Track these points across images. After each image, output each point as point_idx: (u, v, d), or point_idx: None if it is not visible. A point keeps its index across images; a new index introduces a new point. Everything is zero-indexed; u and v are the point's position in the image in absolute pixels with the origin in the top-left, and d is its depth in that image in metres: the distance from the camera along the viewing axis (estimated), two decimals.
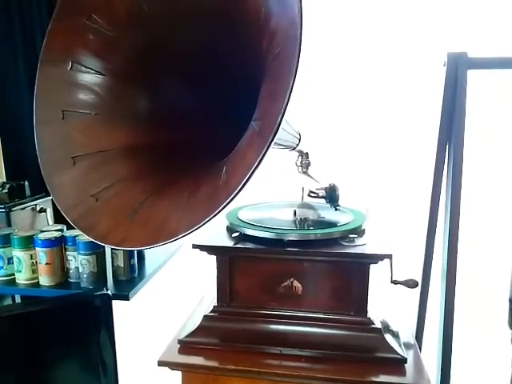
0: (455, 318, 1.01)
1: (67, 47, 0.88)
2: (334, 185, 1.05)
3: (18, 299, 1.47)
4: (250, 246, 0.92)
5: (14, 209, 1.39)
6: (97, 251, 1.16)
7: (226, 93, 0.96)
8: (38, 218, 1.51)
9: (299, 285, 0.92)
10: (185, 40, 0.89)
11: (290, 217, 1.03)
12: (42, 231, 1.23)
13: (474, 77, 0.93)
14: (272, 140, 0.60)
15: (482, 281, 1.35)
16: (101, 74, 0.90)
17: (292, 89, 0.58)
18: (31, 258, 1.20)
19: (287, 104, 0.59)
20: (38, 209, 1.49)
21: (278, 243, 0.91)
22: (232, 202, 0.64)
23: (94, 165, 0.88)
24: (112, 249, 1.21)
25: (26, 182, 1.50)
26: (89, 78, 0.90)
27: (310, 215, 1.04)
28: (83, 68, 0.89)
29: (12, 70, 1.64)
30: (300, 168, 1.09)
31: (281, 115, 0.59)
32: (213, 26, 0.85)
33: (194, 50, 0.90)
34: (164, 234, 0.69)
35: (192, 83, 0.97)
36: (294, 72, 0.59)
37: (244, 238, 0.95)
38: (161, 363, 0.90)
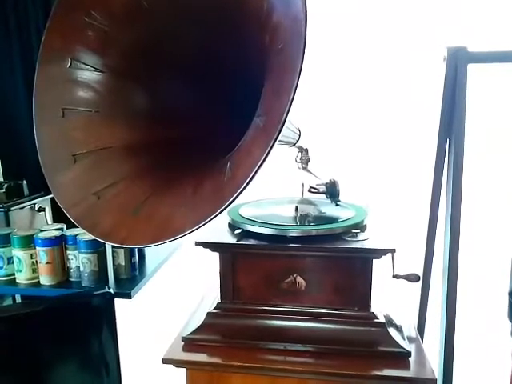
0: (456, 312, 1.01)
1: (66, 44, 0.87)
2: (334, 180, 1.05)
3: (18, 299, 1.46)
4: (252, 242, 0.92)
5: (12, 208, 1.38)
6: (98, 250, 1.16)
7: (226, 88, 0.95)
8: (36, 218, 1.50)
9: (302, 280, 0.92)
10: (185, 35, 0.88)
11: (292, 213, 1.03)
12: (41, 230, 1.23)
13: (474, 71, 0.93)
14: (277, 136, 0.60)
15: (482, 274, 1.36)
16: (100, 71, 0.89)
17: (297, 85, 0.58)
18: (31, 258, 1.19)
19: (292, 100, 0.59)
20: (36, 208, 1.48)
21: (280, 239, 0.91)
22: None
23: (95, 163, 0.88)
24: (113, 247, 1.21)
25: (24, 181, 1.48)
26: (88, 75, 0.89)
27: (312, 211, 1.05)
28: (82, 65, 0.88)
29: (8, 67, 1.62)
30: (300, 164, 1.08)
31: (286, 111, 0.59)
32: (213, 21, 0.84)
33: (195, 45, 0.89)
34: (169, 230, 0.69)
35: (192, 78, 0.96)
36: (298, 68, 0.59)
37: (246, 234, 0.95)
38: (165, 361, 0.90)
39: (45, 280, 1.19)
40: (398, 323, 0.96)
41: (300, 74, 0.59)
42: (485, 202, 1.34)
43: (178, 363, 0.91)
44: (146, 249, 1.37)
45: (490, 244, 1.35)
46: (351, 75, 1.40)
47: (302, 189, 1.10)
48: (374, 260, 0.89)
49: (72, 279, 1.21)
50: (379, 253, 0.87)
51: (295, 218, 1.01)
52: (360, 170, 1.42)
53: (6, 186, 1.43)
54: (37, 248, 1.18)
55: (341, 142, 1.44)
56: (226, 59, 0.91)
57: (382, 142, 1.42)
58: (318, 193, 1.05)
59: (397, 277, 0.93)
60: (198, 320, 0.96)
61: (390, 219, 1.07)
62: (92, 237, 0.81)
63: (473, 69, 0.93)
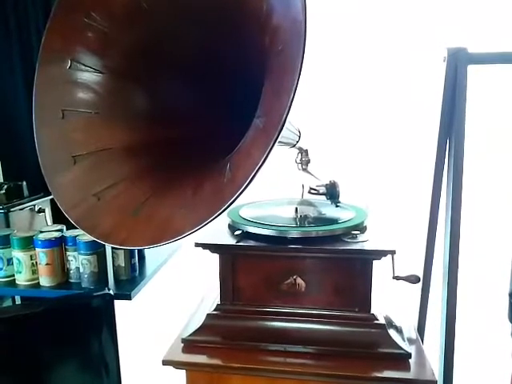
0: (456, 312, 1.01)
1: (66, 46, 0.87)
2: (334, 181, 1.05)
3: (18, 300, 1.46)
4: (252, 243, 0.92)
5: (12, 209, 1.38)
6: (97, 251, 1.16)
7: (226, 88, 0.95)
8: (36, 219, 1.50)
9: (302, 282, 0.92)
10: (185, 36, 0.88)
11: (292, 214, 1.03)
12: (41, 232, 1.22)
13: (474, 72, 0.93)
14: (277, 137, 0.60)
15: (482, 275, 1.36)
16: (100, 72, 0.89)
17: (297, 85, 0.58)
18: (31, 259, 1.19)
19: (292, 101, 0.59)
20: (36, 209, 1.48)
21: (280, 241, 0.91)
22: None
23: (95, 164, 0.88)
24: (113, 248, 1.20)
25: (24, 183, 1.48)
26: (88, 76, 0.89)
27: (311, 212, 1.04)
28: (82, 66, 0.88)
29: (8, 68, 1.62)
30: (300, 165, 1.08)
31: (286, 112, 0.59)
32: (213, 21, 0.84)
33: (195, 45, 0.90)
34: (169, 232, 0.69)
35: (192, 78, 0.96)
36: (298, 68, 0.59)
37: (246, 235, 0.95)
38: (165, 362, 0.90)
39: (44, 281, 1.18)
40: (398, 324, 0.96)
41: (300, 74, 0.59)
42: (485, 202, 1.34)
43: (177, 365, 0.91)
44: (145, 250, 1.36)
45: (490, 244, 1.35)
46: (351, 76, 1.40)
47: (301, 190, 1.10)
48: (374, 261, 0.89)
49: (72, 280, 1.20)
50: (379, 254, 0.87)
51: (295, 219, 1.01)
52: (360, 171, 1.42)
53: (5, 187, 1.43)
54: (36, 249, 1.17)
55: (341, 143, 1.44)
56: (226, 59, 0.91)
57: (382, 143, 1.42)
58: (318, 194, 1.05)
59: (397, 278, 0.92)
60: (198, 321, 0.96)
61: (390, 220, 1.07)
62: (92, 238, 0.81)
63: (473, 70, 0.93)
